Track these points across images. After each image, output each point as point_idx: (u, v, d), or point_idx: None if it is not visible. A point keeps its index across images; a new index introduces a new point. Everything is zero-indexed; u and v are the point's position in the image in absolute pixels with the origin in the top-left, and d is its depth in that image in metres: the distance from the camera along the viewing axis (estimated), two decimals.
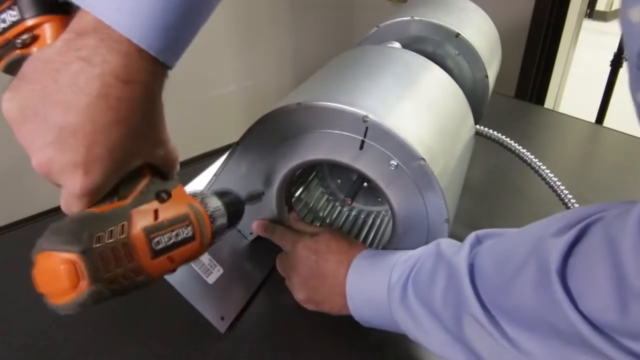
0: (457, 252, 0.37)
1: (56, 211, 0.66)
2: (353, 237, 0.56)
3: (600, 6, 4.29)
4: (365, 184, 0.57)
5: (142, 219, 0.30)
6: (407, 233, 0.45)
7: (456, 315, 0.34)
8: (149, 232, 0.30)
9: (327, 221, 0.58)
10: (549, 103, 1.76)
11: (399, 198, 0.43)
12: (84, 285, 0.27)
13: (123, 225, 0.29)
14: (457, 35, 0.64)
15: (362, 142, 0.42)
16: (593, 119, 1.52)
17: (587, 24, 2.68)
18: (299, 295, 0.47)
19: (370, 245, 0.55)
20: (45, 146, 0.27)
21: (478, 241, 0.37)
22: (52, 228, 0.28)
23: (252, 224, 0.52)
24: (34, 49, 0.28)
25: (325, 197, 0.62)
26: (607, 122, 1.46)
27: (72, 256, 0.27)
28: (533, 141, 0.89)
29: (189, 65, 1.62)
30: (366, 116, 0.40)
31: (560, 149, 0.89)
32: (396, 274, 0.40)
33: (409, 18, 0.65)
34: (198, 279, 0.48)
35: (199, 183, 0.53)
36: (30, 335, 0.48)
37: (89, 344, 0.47)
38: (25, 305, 0.52)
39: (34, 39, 0.28)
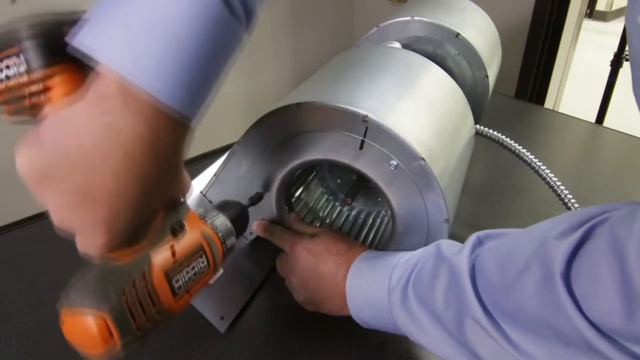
0: (458, 253, 0.36)
1: None
2: (353, 237, 0.56)
3: (600, 6, 4.30)
4: (365, 183, 0.57)
5: (161, 261, 0.31)
6: (407, 233, 0.45)
7: (458, 318, 0.34)
8: (169, 274, 0.31)
9: (327, 221, 0.58)
10: (549, 103, 1.76)
11: (399, 198, 0.43)
12: (116, 339, 0.28)
13: (144, 273, 0.30)
14: (457, 35, 0.64)
15: (362, 142, 0.42)
16: (593, 119, 1.52)
17: (587, 24, 2.68)
18: (298, 296, 0.47)
19: (370, 245, 0.55)
20: (67, 206, 0.27)
21: (479, 242, 0.37)
22: (79, 285, 0.29)
23: (252, 224, 0.52)
24: (46, 101, 0.27)
25: (325, 197, 0.62)
26: (607, 122, 1.46)
27: (103, 314, 0.27)
28: (533, 141, 0.89)
29: None
30: (366, 116, 0.40)
31: (560, 149, 0.89)
32: (396, 275, 0.40)
33: (409, 18, 0.65)
34: None
35: (199, 183, 0.53)
36: (30, 335, 0.48)
37: None
38: (25, 305, 0.52)
39: (45, 90, 0.27)
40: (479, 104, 0.68)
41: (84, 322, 0.27)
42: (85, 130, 0.26)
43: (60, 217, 0.28)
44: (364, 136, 0.41)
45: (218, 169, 0.51)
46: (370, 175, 0.43)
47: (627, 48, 1.33)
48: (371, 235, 0.56)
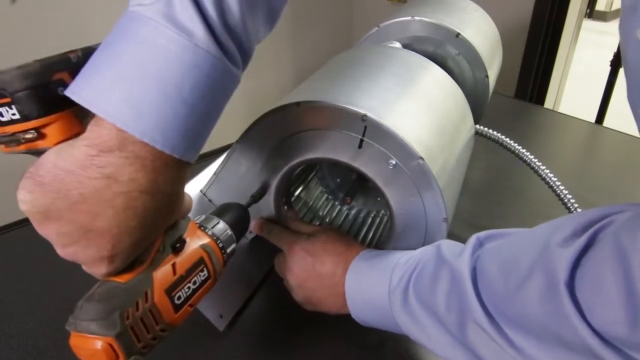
0: (458, 255, 0.36)
1: None
2: (352, 236, 0.56)
3: (600, 6, 4.30)
4: (364, 183, 0.57)
5: (162, 280, 0.32)
6: (405, 232, 0.45)
7: (460, 320, 0.34)
8: (170, 291, 0.32)
9: (327, 220, 0.58)
10: (549, 103, 1.76)
11: (398, 197, 0.43)
12: None
13: (146, 293, 0.31)
14: (458, 35, 0.64)
15: (361, 141, 0.42)
16: (593, 119, 1.52)
17: (587, 24, 2.68)
18: (297, 296, 0.47)
19: (370, 244, 0.55)
20: (70, 243, 0.28)
21: (479, 244, 0.37)
22: (85, 310, 0.30)
23: (251, 223, 0.51)
24: (42, 144, 0.27)
25: (325, 196, 0.62)
26: (607, 122, 1.46)
27: (109, 340, 0.28)
28: (533, 141, 0.89)
29: None
30: (365, 115, 0.41)
31: (560, 149, 0.89)
32: (397, 276, 0.40)
33: (409, 18, 0.66)
34: None
35: (199, 182, 0.53)
36: (30, 335, 0.48)
37: None
38: (25, 305, 0.52)
39: (40, 136, 0.27)
40: (479, 104, 0.68)
41: (92, 346, 0.28)
42: (84, 179, 0.26)
43: (64, 251, 0.29)
44: (363, 135, 0.42)
45: (218, 168, 0.51)
46: (369, 174, 0.43)
47: None
48: (370, 234, 0.56)
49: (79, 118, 0.28)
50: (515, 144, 0.55)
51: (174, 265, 0.32)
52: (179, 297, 0.32)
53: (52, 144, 0.27)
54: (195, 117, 0.28)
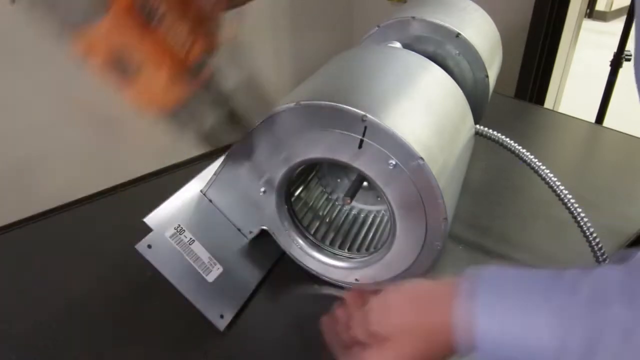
0: None
1: (56, 211, 0.66)
2: (352, 236, 0.56)
3: (600, 6, 4.29)
4: (364, 183, 0.57)
5: None
6: (405, 232, 0.45)
7: None
8: None
9: (327, 220, 0.58)
10: (549, 103, 1.76)
11: (398, 197, 0.43)
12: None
13: None
14: (458, 35, 0.64)
15: (361, 141, 0.42)
16: (593, 119, 1.51)
17: (587, 24, 2.68)
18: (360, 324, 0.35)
19: (370, 244, 0.55)
20: None
21: None
22: None
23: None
24: None
25: (325, 196, 0.62)
26: (607, 122, 1.46)
27: None
28: (533, 141, 0.89)
29: None
30: (365, 115, 0.41)
31: (560, 149, 0.89)
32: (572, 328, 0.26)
33: (409, 18, 0.66)
34: (198, 277, 0.48)
35: (199, 182, 0.53)
36: (30, 335, 0.48)
37: (89, 344, 0.47)
38: (25, 305, 0.52)
39: None
40: (479, 104, 0.68)
41: None
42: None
43: None
44: (363, 135, 0.42)
45: (218, 168, 0.51)
46: (369, 174, 0.43)
47: (626, 48, 1.33)
48: (370, 234, 0.56)
49: None
50: (515, 144, 0.55)
51: None
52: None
53: None
54: None
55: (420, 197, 0.42)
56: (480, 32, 0.70)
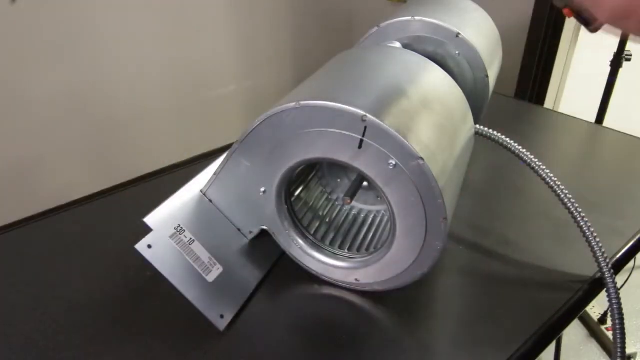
0: None
1: (56, 211, 0.66)
2: (352, 236, 0.56)
3: None
4: (364, 183, 0.57)
5: None
6: (405, 232, 0.45)
7: None
8: None
9: (327, 220, 0.58)
10: (549, 103, 1.76)
11: (398, 197, 0.43)
12: None
13: None
14: (458, 35, 0.64)
15: (361, 141, 0.42)
16: (593, 119, 1.51)
17: None
18: None
19: (370, 244, 0.55)
20: None
21: None
22: None
23: None
24: None
25: (325, 196, 0.62)
26: (607, 122, 1.46)
27: None
28: (533, 141, 0.89)
29: (189, 65, 1.62)
30: (365, 115, 0.41)
31: (560, 149, 0.89)
32: None
33: (409, 18, 0.66)
34: (198, 277, 0.48)
35: (199, 183, 0.53)
36: (30, 335, 0.48)
37: (89, 344, 0.47)
38: (25, 305, 0.52)
39: None
40: (479, 104, 0.68)
41: None
42: None
43: None
44: (363, 135, 0.42)
45: (218, 168, 0.51)
46: (369, 175, 0.43)
47: (627, 48, 1.33)
48: (370, 234, 0.56)
49: None
50: (515, 144, 0.55)
51: None
52: None
53: None
54: None
55: (420, 197, 0.42)
56: (480, 32, 0.70)
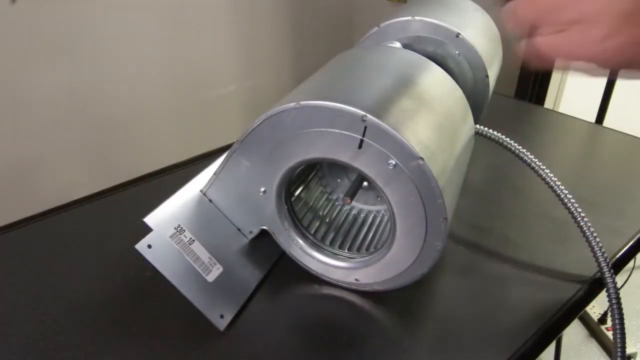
0: None
1: (56, 211, 0.66)
2: (352, 236, 0.56)
3: None
4: (364, 183, 0.57)
5: None
6: (405, 232, 0.45)
7: None
8: None
9: (327, 220, 0.58)
10: (549, 103, 1.76)
11: (398, 197, 0.43)
12: None
13: None
14: (458, 35, 0.64)
15: (361, 141, 0.42)
16: (593, 119, 1.51)
17: None
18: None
19: (370, 244, 0.55)
20: None
21: None
22: None
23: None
24: None
25: (325, 196, 0.62)
26: (607, 122, 1.46)
27: None
28: (533, 141, 0.89)
29: (189, 65, 1.62)
30: (365, 115, 0.41)
31: (560, 149, 0.89)
32: None
33: (409, 18, 0.66)
34: (198, 277, 0.48)
35: (199, 183, 0.53)
36: (30, 335, 0.48)
37: (89, 344, 0.47)
38: (25, 305, 0.52)
39: None
40: (479, 104, 0.68)
41: None
42: None
43: None
44: (363, 135, 0.42)
45: (218, 168, 0.51)
46: (369, 174, 0.43)
47: None
48: (370, 235, 0.56)
49: None
50: (515, 144, 0.55)
51: None
52: None
53: None
54: None
55: (420, 197, 0.42)
56: (480, 32, 0.70)
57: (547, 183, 0.54)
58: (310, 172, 0.61)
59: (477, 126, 0.56)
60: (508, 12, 0.36)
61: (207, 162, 0.55)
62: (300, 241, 0.53)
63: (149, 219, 0.47)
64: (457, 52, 0.66)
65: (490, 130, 0.56)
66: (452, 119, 0.50)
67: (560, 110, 1.78)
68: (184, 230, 0.49)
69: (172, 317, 0.49)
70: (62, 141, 1.39)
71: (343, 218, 0.60)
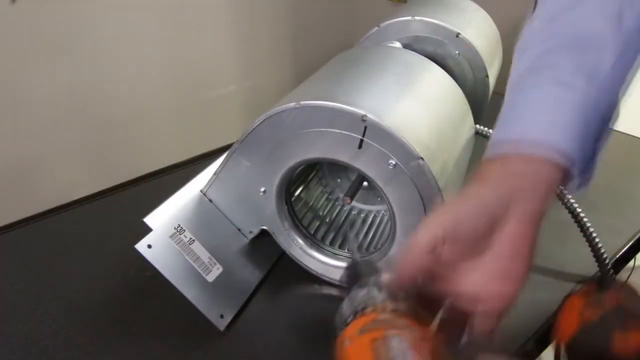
0: None
1: (56, 211, 0.66)
2: (352, 236, 0.56)
3: None
4: (364, 183, 0.57)
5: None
6: (405, 232, 0.45)
7: None
8: None
9: (327, 220, 0.58)
10: None
11: (398, 197, 0.43)
12: None
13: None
14: (458, 35, 0.64)
15: (361, 141, 0.42)
16: None
17: None
18: None
19: (370, 244, 0.55)
20: None
21: None
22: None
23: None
24: None
25: (325, 196, 0.62)
26: None
27: None
28: None
29: (189, 65, 1.61)
30: (365, 115, 0.41)
31: None
32: None
33: (409, 18, 0.66)
34: (198, 277, 0.48)
35: (199, 183, 0.53)
36: (30, 335, 0.48)
37: (89, 344, 0.47)
38: (25, 305, 0.52)
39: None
40: (479, 104, 0.68)
41: None
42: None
43: None
44: (363, 135, 0.42)
45: (218, 168, 0.51)
46: (369, 174, 0.43)
47: None
48: (370, 234, 0.56)
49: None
50: None
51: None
52: None
53: None
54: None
55: (420, 197, 0.42)
56: (480, 32, 0.70)
57: None
58: (310, 172, 0.61)
59: (477, 126, 0.56)
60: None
61: (207, 162, 0.55)
62: (300, 241, 0.53)
63: (149, 219, 0.47)
64: (457, 52, 0.66)
65: (490, 130, 0.56)
66: (452, 119, 0.50)
67: None
68: (184, 230, 0.49)
69: (172, 317, 0.49)
70: (62, 141, 1.39)
71: (343, 218, 0.60)
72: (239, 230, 0.53)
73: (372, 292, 0.31)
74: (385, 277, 0.31)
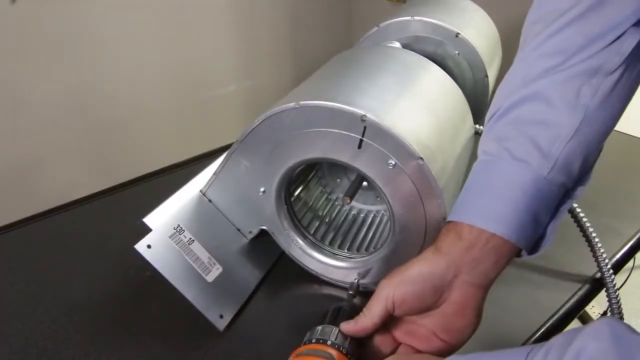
0: None
1: (56, 211, 0.66)
2: (352, 236, 0.56)
3: None
4: (364, 183, 0.57)
5: None
6: (405, 232, 0.45)
7: None
8: None
9: (327, 220, 0.58)
10: None
11: (397, 197, 0.43)
12: None
13: None
14: (457, 35, 0.64)
15: (361, 141, 0.42)
16: None
17: None
18: None
19: (370, 244, 0.55)
20: None
21: None
22: None
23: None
24: None
25: (325, 196, 0.62)
26: None
27: None
28: None
29: (189, 65, 1.61)
30: (364, 115, 0.41)
31: None
32: None
33: (409, 18, 0.66)
34: (197, 277, 0.48)
35: (199, 182, 0.53)
36: (30, 335, 0.48)
37: (89, 344, 0.47)
38: (25, 305, 0.52)
39: None
40: (479, 104, 0.68)
41: None
42: None
43: None
44: (363, 135, 0.42)
45: (218, 168, 0.51)
46: (369, 174, 0.43)
47: None
48: (370, 234, 0.56)
49: None
50: None
51: None
52: None
53: None
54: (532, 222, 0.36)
55: (420, 197, 0.42)
56: (480, 32, 0.70)
57: None
58: (309, 172, 0.61)
59: (477, 126, 0.56)
60: None
61: (207, 162, 0.55)
62: (300, 241, 0.53)
63: (149, 219, 0.47)
64: (456, 52, 0.66)
65: None
66: (451, 119, 0.50)
67: None
68: (184, 230, 0.49)
69: (172, 317, 0.49)
70: (62, 141, 1.39)
71: (343, 218, 0.60)
72: (238, 230, 0.54)
73: (326, 329, 0.38)
74: (344, 324, 0.38)
